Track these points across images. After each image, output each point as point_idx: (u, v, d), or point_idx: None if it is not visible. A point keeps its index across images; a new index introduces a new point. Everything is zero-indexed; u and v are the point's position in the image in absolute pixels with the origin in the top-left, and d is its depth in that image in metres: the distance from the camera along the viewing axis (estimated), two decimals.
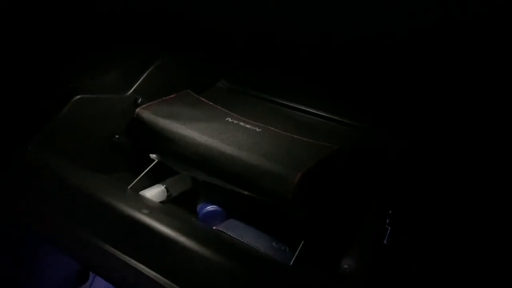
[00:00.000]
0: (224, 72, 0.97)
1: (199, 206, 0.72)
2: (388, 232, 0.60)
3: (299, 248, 0.60)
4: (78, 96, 0.70)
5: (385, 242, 0.58)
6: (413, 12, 0.61)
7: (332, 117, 0.86)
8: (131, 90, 0.78)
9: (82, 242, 0.58)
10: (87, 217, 0.60)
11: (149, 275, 0.53)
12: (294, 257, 0.60)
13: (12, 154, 0.66)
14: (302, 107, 0.89)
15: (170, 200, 0.75)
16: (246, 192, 0.66)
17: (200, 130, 0.70)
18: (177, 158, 0.72)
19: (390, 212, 0.62)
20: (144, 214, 0.55)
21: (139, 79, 0.79)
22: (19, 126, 0.69)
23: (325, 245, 0.64)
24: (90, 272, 0.93)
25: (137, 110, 0.74)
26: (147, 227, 0.55)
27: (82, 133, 0.72)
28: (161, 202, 0.73)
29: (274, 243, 0.64)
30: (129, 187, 0.70)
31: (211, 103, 0.82)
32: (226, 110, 0.80)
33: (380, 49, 0.78)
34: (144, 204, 0.62)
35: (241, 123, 0.75)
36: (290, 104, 0.90)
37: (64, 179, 0.63)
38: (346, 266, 0.59)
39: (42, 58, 0.75)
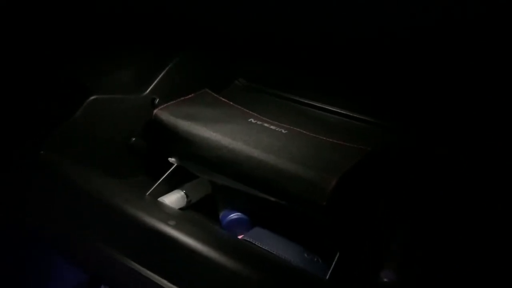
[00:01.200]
0: (242, 70, 0.92)
1: (221, 214, 0.68)
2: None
3: (335, 260, 0.56)
4: (93, 97, 0.67)
5: None
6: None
7: (359, 116, 0.81)
8: (148, 90, 0.74)
9: (96, 253, 0.54)
10: (102, 226, 0.56)
11: None
12: (330, 270, 0.55)
13: (23, 158, 0.63)
14: (325, 106, 0.84)
15: (189, 206, 0.71)
16: (273, 199, 0.62)
17: (223, 132, 0.65)
18: (198, 162, 0.68)
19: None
20: (166, 224, 0.51)
21: (156, 79, 0.75)
22: (32, 128, 0.65)
23: (359, 256, 0.60)
24: (102, 286, 0.88)
25: (155, 111, 0.70)
26: (168, 237, 0.51)
27: (97, 135, 0.68)
28: (180, 208, 0.69)
29: (305, 254, 0.60)
30: (147, 194, 0.67)
31: (231, 103, 0.78)
32: (247, 110, 0.76)
33: (408, 48, 0.76)
34: (165, 213, 0.57)
35: (265, 124, 0.71)
36: (313, 103, 0.86)
37: (78, 185, 0.59)
38: (385, 279, 0.55)
39: (55, 57, 0.71)
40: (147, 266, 0.50)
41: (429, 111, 0.76)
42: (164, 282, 0.49)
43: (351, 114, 0.82)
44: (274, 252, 0.59)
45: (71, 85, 0.68)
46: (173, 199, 0.69)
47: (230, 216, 0.66)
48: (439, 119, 0.75)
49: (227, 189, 0.68)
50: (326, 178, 0.56)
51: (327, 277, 0.55)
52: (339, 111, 0.83)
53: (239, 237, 0.63)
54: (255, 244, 0.60)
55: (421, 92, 0.77)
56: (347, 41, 0.79)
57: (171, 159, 0.70)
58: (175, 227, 0.52)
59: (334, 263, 0.56)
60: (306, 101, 0.86)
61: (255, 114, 0.74)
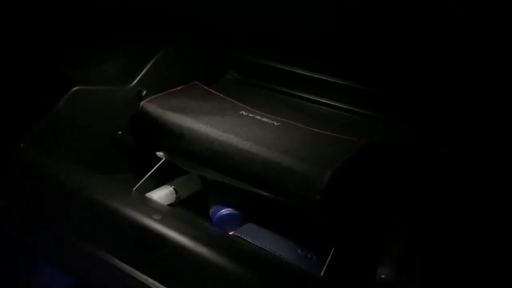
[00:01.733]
0: (233, 62, 0.90)
1: (212, 209, 0.65)
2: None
3: (329, 256, 0.54)
4: (76, 88, 0.65)
5: None
6: None
7: (354, 109, 0.80)
8: (135, 82, 0.72)
9: (81, 254, 0.51)
10: (86, 224, 0.53)
11: None
12: (325, 267, 0.53)
13: (2, 153, 0.59)
14: (319, 99, 0.83)
15: (179, 203, 0.69)
16: (265, 193, 0.60)
17: (213, 124, 0.63)
18: (187, 156, 0.66)
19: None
20: (154, 220, 0.48)
21: (143, 70, 0.73)
22: (11, 121, 0.63)
23: (355, 252, 0.58)
24: None
25: (142, 103, 0.68)
26: (156, 235, 0.49)
27: (81, 129, 0.66)
28: (169, 204, 0.67)
29: (299, 251, 0.57)
30: (134, 189, 0.64)
31: (222, 95, 0.76)
32: (239, 103, 0.73)
33: (401, 36, 0.75)
34: (152, 208, 0.55)
35: (257, 117, 0.69)
36: (306, 96, 0.84)
37: (61, 181, 0.56)
38: (382, 276, 0.53)
39: (35, 46, 0.69)
40: (135, 265, 0.48)
41: (425, 103, 0.75)
42: (152, 282, 0.47)
43: (346, 107, 0.81)
44: (266, 249, 0.57)
45: (53, 76, 0.66)
46: (162, 194, 0.66)
47: (221, 212, 0.64)
48: (435, 112, 0.74)
49: (217, 184, 0.66)
50: (320, 172, 0.54)
51: (322, 273, 0.53)
52: (333, 103, 0.82)
53: (230, 233, 0.61)
54: (246, 241, 0.58)
55: (416, 85, 0.77)
56: (341, 32, 0.78)
57: (159, 153, 0.68)
58: (163, 224, 0.49)
59: (328, 259, 0.54)
60: (299, 94, 0.84)
61: (247, 107, 0.72)
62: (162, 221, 0.48)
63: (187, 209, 0.69)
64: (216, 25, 0.82)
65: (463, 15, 0.60)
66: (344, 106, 0.80)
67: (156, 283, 0.46)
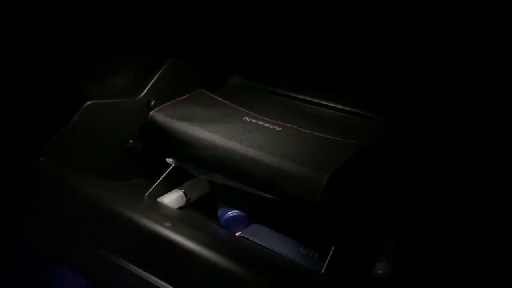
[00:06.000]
0: (237, 68, 0.92)
1: (220, 211, 0.69)
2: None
3: (330, 254, 0.57)
4: (89, 102, 0.68)
5: None
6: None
7: (354, 110, 0.81)
8: (143, 93, 0.74)
9: (97, 258, 0.54)
10: (102, 230, 0.56)
11: None
12: (325, 264, 0.56)
13: (22, 166, 0.63)
14: (321, 101, 0.85)
15: (188, 205, 0.72)
16: (269, 196, 0.63)
17: (218, 132, 0.67)
18: (195, 162, 0.69)
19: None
20: (165, 227, 0.52)
21: (151, 81, 0.75)
22: (29, 136, 0.66)
23: (354, 250, 0.61)
24: None
25: (151, 113, 0.71)
26: (167, 241, 0.52)
27: (95, 140, 0.69)
28: (180, 207, 0.71)
29: (301, 249, 0.61)
30: (146, 195, 0.68)
31: (226, 102, 0.78)
32: (242, 109, 0.76)
33: (399, 39, 0.75)
34: (164, 213, 0.59)
35: (260, 122, 0.71)
36: (308, 99, 0.86)
37: (77, 190, 0.59)
38: (380, 271, 0.56)
39: (49, 64, 0.72)
40: (148, 269, 0.50)
41: (425, 104, 0.76)
42: (164, 284, 0.50)
43: (346, 109, 0.82)
44: (271, 248, 0.60)
45: (67, 92, 0.69)
46: (173, 198, 0.70)
47: (228, 213, 0.67)
48: (435, 113, 0.75)
49: (225, 187, 0.69)
50: (319, 175, 0.57)
51: (323, 270, 0.56)
52: (334, 105, 0.83)
53: (237, 234, 0.64)
54: (252, 241, 0.61)
55: (416, 86, 0.77)
56: (341, 35, 0.79)
57: (169, 160, 0.71)
58: (175, 228, 0.53)
59: (329, 257, 0.57)
60: (300, 97, 0.86)
61: (250, 113, 0.75)
62: (173, 228, 0.52)
63: (196, 211, 0.72)
64: (219, 34, 0.84)
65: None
66: (343, 108, 0.81)
67: (167, 285, 0.49)
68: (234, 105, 0.77)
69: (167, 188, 0.71)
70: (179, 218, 0.59)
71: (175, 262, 0.50)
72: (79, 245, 0.53)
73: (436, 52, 0.68)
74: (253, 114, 0.74)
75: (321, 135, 0.69)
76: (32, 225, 0.57)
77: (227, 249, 0.52)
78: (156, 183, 0.69)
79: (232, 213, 0.67)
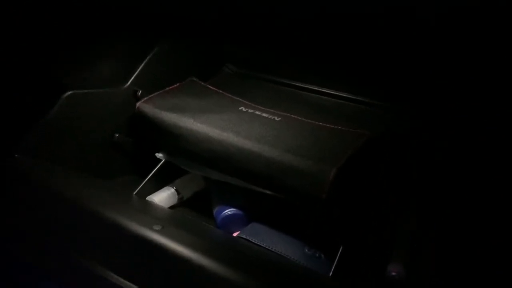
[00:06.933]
0: (230, 54, 0.88)
1: (215, 210, 0.64)
2: None
3: (338, 255, 0.52)
4: (69, 92, 0.63)
5: None
6: None
7: (353, 97, 0.78)
8: (129, 82, 0.70)
9: (76, 267, 0.49)
10: (82, 234, 0.51)
11: None
12: (333, 266, 0.52)
13: None
14: (320, 89, 0.80)
15: (181, 204, 0.68)
16: (269, 192, 0.58)
17: (212, 123, 0.62)
18: (187, 157, 0.64)
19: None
20: (155, 230, 0.46)
21: (137, 69, 0.71)
22: (4, 129, 0.61)
23: (363, 250, 0.56)
24: None
25: (138, 104, 0.67)
26: (158, 246, 0.46)
27: (77, 134, 0.65)
28: (172, 206, 0.66)
29: (306, 250, 0.56)
30: (134, 193, 0.63)
31: (220, 91, 0.74)
32: (237, 98, 0.72)
33: (400, 23, 0.72)
34: (154, 214, 0.54)
35: (257, 112, 0.67)
36: (306, 86, 0.82)
37: (57, 190, 0.54)
38: (393, 273, 0.52)
39: (25, 50, 0.66)
40: (134, 280, 0.45)
41: (431, 90, 0.73)
42: None
43: (347, 96, 0.79)
44: (272, 249, 0.55)
45: (44, 81, 0.64)
46: (163, 197, 0.66)
47: (225, 212, 0.63)
48: (442, 98, 0.71)
49: (220, 184, 0.65)
50: (325, 169, 0.52)
51: (331, 273, 0.52)
52: (335, 93, 0.80)
53: (235, 234, 0.60)
54: (252, 242, 0.56)
55: (421, 70, 0.74)
56: (340, 18, 0.76)
57: (159, 155, 0.67)
58: (165, 231, 0.47)
59: (337, 258, 0.53)
60: (299, 84, 0.82)
61: (246, 102, 0.70)
62: (163, 231, 0.46)
63: (190, 210, 0.67)
64: (210, 18, 0.79)
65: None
66: (345, 95, 0.78)
67: None
68: (229, 94, 0.72)
69: (157, 185, 0.67)
70: (170, 219, 0.54)
71: (166, 271, 0.45)
72: (56, 252, 0.48)
73: (446, 37, 0.65)
74: (249, 103, 0.70)
75: (324, 124, 0.64)
76: (4, 229, 0.52)
77: (224, 253, 0.48)
78: (145, 180, 0.65)
79: (228, 211, 0.63)
